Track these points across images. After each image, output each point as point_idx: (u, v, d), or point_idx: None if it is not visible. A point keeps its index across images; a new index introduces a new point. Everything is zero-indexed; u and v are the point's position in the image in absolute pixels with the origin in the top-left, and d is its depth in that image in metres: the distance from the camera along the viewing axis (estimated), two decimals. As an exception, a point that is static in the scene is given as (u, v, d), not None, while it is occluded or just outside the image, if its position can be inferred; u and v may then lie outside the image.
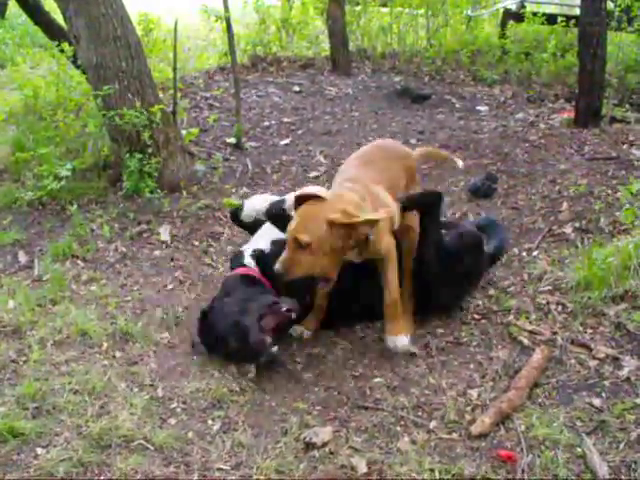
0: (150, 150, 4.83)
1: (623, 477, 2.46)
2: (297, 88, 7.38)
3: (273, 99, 6.97)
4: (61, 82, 5.82)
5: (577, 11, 6.93)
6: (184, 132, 5.51)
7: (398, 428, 2.79)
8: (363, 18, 8.96)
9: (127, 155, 4.80)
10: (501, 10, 8.88)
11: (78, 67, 5.74)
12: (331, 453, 2.63)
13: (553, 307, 3.52)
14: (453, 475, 2.50)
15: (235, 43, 6.00)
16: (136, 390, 3.04)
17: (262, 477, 2.54)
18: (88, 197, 4.91)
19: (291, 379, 3.16)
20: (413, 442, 2.69)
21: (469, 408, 2.87)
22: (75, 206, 4.66)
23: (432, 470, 2.52)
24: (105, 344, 3.38)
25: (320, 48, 8.88)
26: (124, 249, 4.36)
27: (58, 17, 6.14)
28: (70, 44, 5.70)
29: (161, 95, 5.41)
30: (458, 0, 9.03)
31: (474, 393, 2.96)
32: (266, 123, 6.30)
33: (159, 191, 4.80)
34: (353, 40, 8.72)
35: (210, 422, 2.86)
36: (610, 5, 6.97)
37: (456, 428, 2.76)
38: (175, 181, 4.99)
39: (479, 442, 2.67)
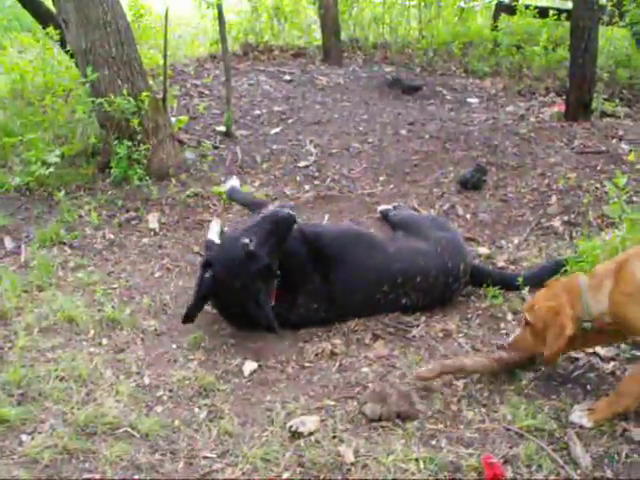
0: (139, 137, 4.80)
1: (606, 468, 2.49)
2: (288, 77, 7.35)
3: (264, 88, 6.94)
4: (49, 67, 5.76)
5: (569, 5, 6.93)
6: (174, 119, 5.48)
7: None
8: (355, 8, 8.91)
9: (116, 142, 4.77)
10: (494, 2, 8.86)
11: (67, 52, 5.68)
12: (317, 442, 2.64)
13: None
14: (437, 465, 2.51)
15: (226, 31, 5.96)
16: (122, 377, 3.03)
17: (248, 465, 2.54)
18: (76, 183, 4.89)
19: (277, 370, 3.16)
20: (399, 432, 2.70)
21: (455, 399, 2.88)
22: (63, 192, 4.63)
23: (417, 460, 2.53)
24: (92, 331, 3.37)
25: (312, 37, 8.83)
26: (112, 236, 4.35)
27: (47, 0, 6.08)
28: (58, 28, 5.64)
29: (151, 82, 5.37)
30: (451, -9, 9.02)
31: (460, 384, 2.97)
32: (256, 112, 6.27)
33: (148, 178, 4.78)
34: (345, 30, 8.68)
35: (196, 410, 2.86)
36: (602, -1, 6.99)
37: (442, 418, 2.77)
38: (164, 169, 4.97)
39: (465, 432, 2.68)
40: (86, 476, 2.49)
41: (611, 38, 7.42)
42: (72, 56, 5.38)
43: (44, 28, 6.10)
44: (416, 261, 3.52)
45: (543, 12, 8.08)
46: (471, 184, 4.81)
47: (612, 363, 3.03)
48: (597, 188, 4.57)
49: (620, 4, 7.08)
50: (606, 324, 2.68)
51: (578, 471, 2.48)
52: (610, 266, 2.67)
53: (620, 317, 2.60)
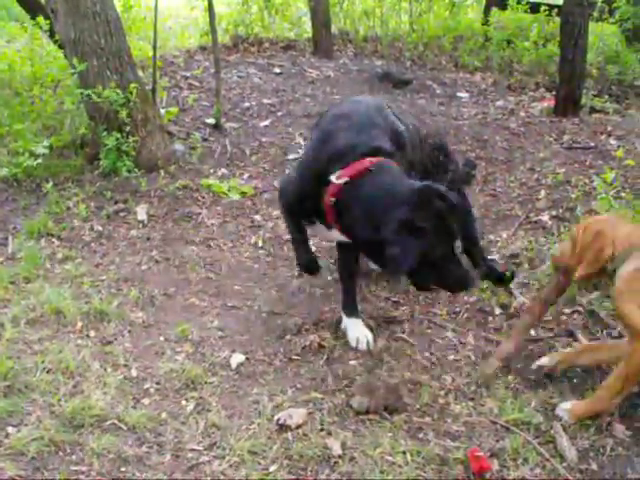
0: (128, 129, 4.78)
1: (591, 461, 2.51)
2: (278, 70, 7.33)
3: (254, 80, 6.92)
4: (37, 57, 5.72)
5: (560, 0, 6.94)
6: (163, 111, 5.46)
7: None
8: (346, 1, 8.90)
9: (105, 133, 4.74)
10: (485, -3, 8.88)
11: (56, 42, 5.64)
12: (304, 435, 2.64)
13: (529, 296, 3.56)
14: (424, 458, 2.52)
15: (216, 23, 5.94)
16: (110, 370, 3.02)
17: (235, 458, 2.54)
18: (64, 175, 4.85)
19: (265, 362, 3.16)
20: (387, 425, 2.70)
21: (442, 392, 2.89)
22: (51, 184, 4.60)
23: (404, 453, 2.54)
24: (79, 323, 3.36)
25: (302, 30, 8.81)
26: (100, 228, 4.32)
27: (36, -10, 6.04)
28: (47, 18, 5.59)
29: (140, 73, 5.35)
30: (442, -15, 9.02)
31: (448, 378, 2.98)
32: (246, 104, 6.25)
33: (137, 170, 4.76)
34: (336, 23, 8.66)
35: (184, 403, 2.85)
36: (592, -5, 7.01)
37: (429, 411, 2.78)
38: (153, 160, 4.94)
39: (452, 425, 2.69)
40: (73, 468, 2.48)
41: (601, 34, 7.45)
42: (61, 46, 5.33)
43: (33, 18, 6.05)
44: None
45: (534, 7, 8.10)
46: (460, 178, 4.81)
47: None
48: (585, 183, 4.59)
49: (610, 0, 7.11)
50: None
51: (564, 464, 2.50)
52: None
53: None
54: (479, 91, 7.01)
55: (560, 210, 4.34)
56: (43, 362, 3.00)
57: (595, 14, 6.96)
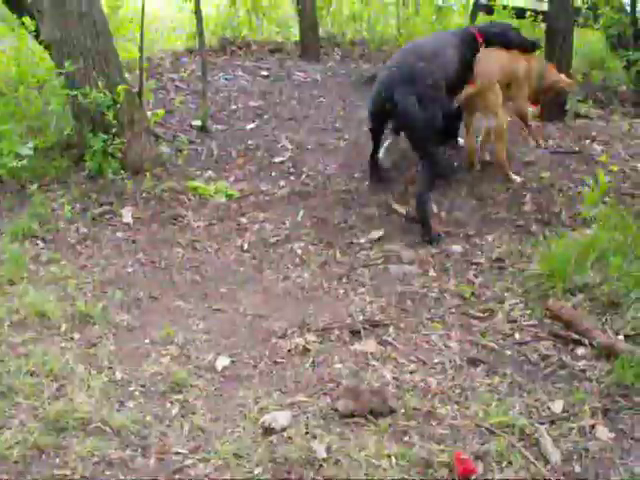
0: (114, 130, 4.76)
1: (575, 464, 2.52)
2: (265, 72, 7.31)
3: (241, 83, 6.90)
4: (22, 57, 5.68)
5: (545, 6, 6.99)
6: (149, 113, 5.43)
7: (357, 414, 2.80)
8: (333, 4, 8.90)
9: (90, 135, 4.72)
10: (471, 1, 8.91)
11: (40, 42, 5.60)
12: (289, 438, 2.64)
13: (514, 300, 3.59)
14: (409, 461, 2.52)
15: (204, 25, 5.93)
16: (94, 372, 3.01)
17: (220, 461, 2.53)
18: (49, 176, 4.83)
19: (250, 365, 3.16)
20: (372, 428, 2.71)
21: (428, 395, 2.90)
22: (36, 185, 4.58)
23: (389, 456, 2.55)
24: (64, 325, 3.34)
25: (289, 33, 8.80)
26: (85, 230, 4.30)
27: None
28: (33, 18, 5.55)
29: (127, 75, 5.32)
30: (429, -10, 9.05)
31: (433, 381, 2.99)
32: (233, 107, 6.24)
33: (122, 172, 4.74)
34: (323, 26, 8.66)
35: (169, 406, 2.85)
36: (577, 1, 7.07)
37: (414, 415, 2.78)
38: (139, 162, 4.92)
39: (436, 429, 2.70)
40: (56, 472, 2.47)
41: (586, 40, 7.50)
42: (46, 47, 5.30)
43: (19, 18, 6.00)
44: None
45: (520, 13, 8.14)
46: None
47: (582, 361, 3.08)
48: (570, 188, 4.62)
49: (595, 7, 7.16)
50: None
51: (548, 467, 2.51)
52: None
53: None
54: (465, 95, 7.03)
55: (545, 214, 4.37)
56: (27, 365, 2.98)
57: (580, 20, 7.01)
